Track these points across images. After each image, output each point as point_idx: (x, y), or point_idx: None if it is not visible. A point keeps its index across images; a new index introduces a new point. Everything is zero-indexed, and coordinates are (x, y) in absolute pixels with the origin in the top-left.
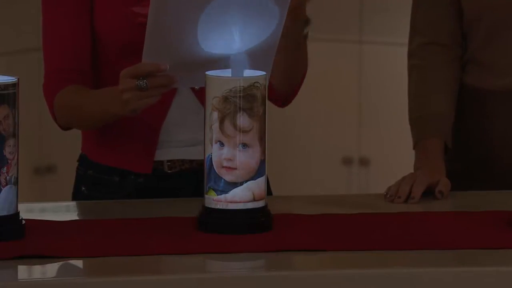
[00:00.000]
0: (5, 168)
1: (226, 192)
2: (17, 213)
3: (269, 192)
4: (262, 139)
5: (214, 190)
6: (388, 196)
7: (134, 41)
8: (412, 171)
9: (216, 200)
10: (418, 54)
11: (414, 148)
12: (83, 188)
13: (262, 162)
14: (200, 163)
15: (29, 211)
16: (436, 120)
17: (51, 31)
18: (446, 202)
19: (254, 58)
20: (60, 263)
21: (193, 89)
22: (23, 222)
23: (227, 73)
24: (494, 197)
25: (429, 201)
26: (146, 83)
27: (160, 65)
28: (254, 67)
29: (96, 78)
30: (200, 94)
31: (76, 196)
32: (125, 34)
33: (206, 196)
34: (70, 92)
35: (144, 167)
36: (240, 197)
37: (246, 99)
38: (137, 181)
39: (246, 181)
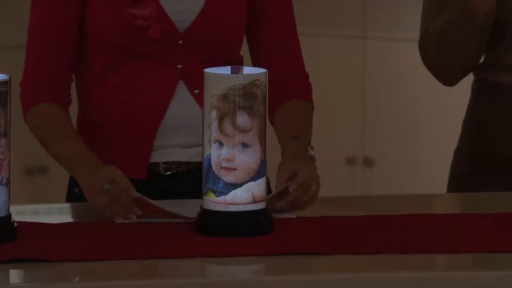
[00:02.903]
0: None
1: (225, 193)
2: (9, 215)
3: (269, 193)
4: (262, 139)
5: (213, 191)
6: None
7: (130, 42)
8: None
9: (215, 202)
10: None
11: None
12: (76, 190)
13: (263, 162)
14: (198, 165)
15: (20, 213)
16: None
17: (36, 35)
18: (455, 203)
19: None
20: (54, 267)
21: (191, 92)
22: (15, 224)
23: (226, 70)
24: (505, 198)
25: (437, 202)
26: (109, 189)
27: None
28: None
29: (91, 75)
30: (200, 97)
31: (70, 197)
32: (120, 35)
33: (204, 197)
34: (49, 122)
35: (138, 172)
36: (240, 198)
37: (246, 97)
38: (132, 183)
39: (246, 182)
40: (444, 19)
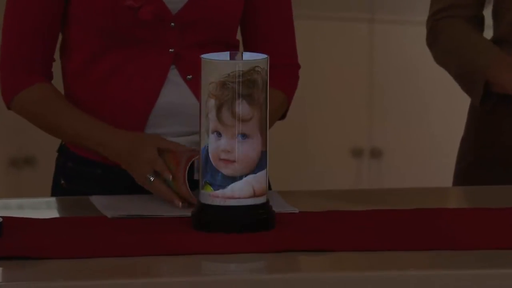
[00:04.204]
0: None
1: (224, 187)
2: None
3: (268, 187)
4: (263, 129)
5: (211, 184)
6: None
7: (119, 25)
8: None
9: (213, 196)
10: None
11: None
12: (62, 181)
13: (263, 154)
14: None
15: (5, 208)
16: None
17: (15, 12)
18: (466, 197)
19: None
20: (42, 265)
21: (184, 77)
22: (0, 220)
23: (224, 56)
24: None
25: (448, 195)
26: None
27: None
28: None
29: (78, 62)
30: (193, 83)
31: (55, 189)
32: (108, 17)
33: (202, 191)
34: (50, 104)
35: None
36: (239, 192)
37: (245, 85)
38: (122, 174)
39: (246, 174)
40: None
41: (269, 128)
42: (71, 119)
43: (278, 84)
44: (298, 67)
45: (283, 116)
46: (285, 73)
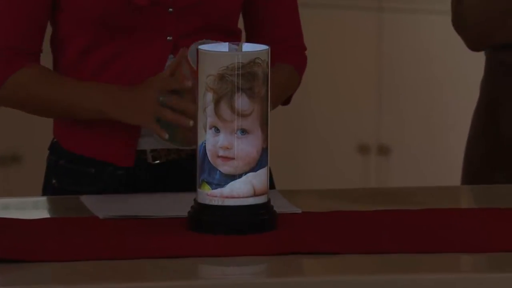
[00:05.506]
0: None
1: (222, 185)
2: None
3: (271, 185)
4: (264, 124)
5: (209, 183)
6: None
7: (113, 13)
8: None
9: (211, 195)
10: None
11: None
12: (54, 181)
13: (264, 150)
14: (190, 153)
15: None
16: None
17: (5, 2)
18: (474, 197)
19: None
20: (29, 268)
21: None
22: None
23: (223, 47)
24: None
25: (459, 195)
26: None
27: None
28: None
29: (69, 56)
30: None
31: (46, 189)
32: (101, 4)
33: (199, 190)
34: (38, 81)
35: (124, 159)
36: (239, 191)
37: (245, 78)
38: (116, 173)
39: (246, 172)
40: None
41: (274, 107)
42: (65, 87)
43: (288, 61)
44: (304, 48)
45: (287, 101)
46: (293, 53)
